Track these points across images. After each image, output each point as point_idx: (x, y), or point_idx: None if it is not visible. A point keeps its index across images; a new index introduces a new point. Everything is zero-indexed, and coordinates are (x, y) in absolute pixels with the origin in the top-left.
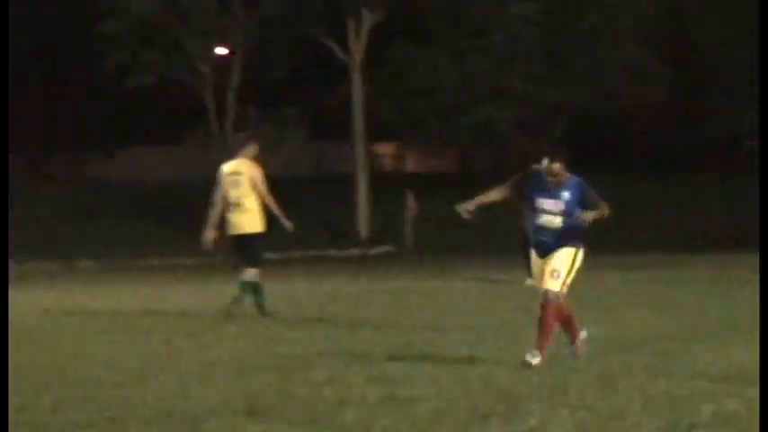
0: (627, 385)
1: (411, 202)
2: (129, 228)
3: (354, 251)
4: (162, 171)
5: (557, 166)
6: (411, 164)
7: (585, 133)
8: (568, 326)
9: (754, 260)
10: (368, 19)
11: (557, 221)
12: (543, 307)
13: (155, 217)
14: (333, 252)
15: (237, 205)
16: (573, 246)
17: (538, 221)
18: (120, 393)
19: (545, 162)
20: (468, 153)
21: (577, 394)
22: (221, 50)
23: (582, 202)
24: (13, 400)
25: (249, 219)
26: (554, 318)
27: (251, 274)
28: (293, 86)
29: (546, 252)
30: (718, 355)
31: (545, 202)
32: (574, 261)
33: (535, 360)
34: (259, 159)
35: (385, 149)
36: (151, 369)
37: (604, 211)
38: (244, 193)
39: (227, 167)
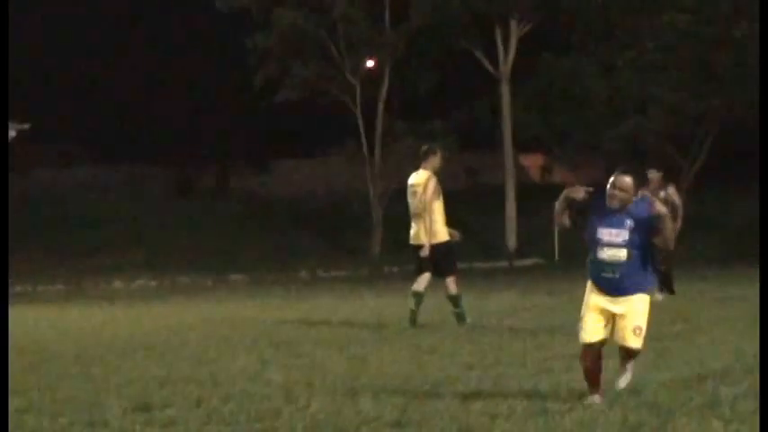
0: None
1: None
2: (278, 241)
3: (502, 263)
4: (310, 184)
5: (627, 180)
6: (558, 175)
7: (733, 144)
8: (596, 377)
9: None
10: (516, 30)
11: (622, 254)
12: (628, 357)
13: (303, 230)
14: (481, 264)
15: (415, 215)
16: (646, 291)
17: (599, 256)
18: (270, 406)
19: (615, 173)
20: (614, 165)
21: (730, 407)
22: (369, 63)
23: (648, 229)
24: (166, 413)
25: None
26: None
27: (451, 287)
28: (440, 98)
29: (612, 291)
30: None
31: (605, 233)
32: (649, 307)
33: (624, 383)
34: (438, 172)
35: (532, 161)
36: (299, 382)
37: (669, 245)
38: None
39: (411, 178)
